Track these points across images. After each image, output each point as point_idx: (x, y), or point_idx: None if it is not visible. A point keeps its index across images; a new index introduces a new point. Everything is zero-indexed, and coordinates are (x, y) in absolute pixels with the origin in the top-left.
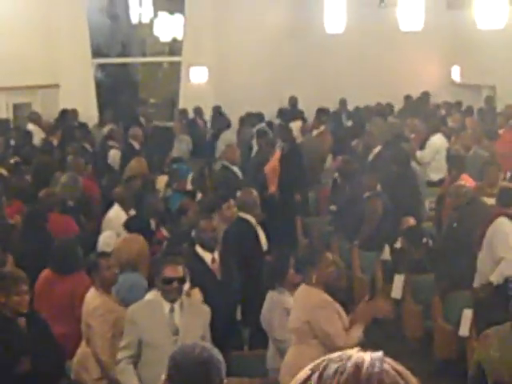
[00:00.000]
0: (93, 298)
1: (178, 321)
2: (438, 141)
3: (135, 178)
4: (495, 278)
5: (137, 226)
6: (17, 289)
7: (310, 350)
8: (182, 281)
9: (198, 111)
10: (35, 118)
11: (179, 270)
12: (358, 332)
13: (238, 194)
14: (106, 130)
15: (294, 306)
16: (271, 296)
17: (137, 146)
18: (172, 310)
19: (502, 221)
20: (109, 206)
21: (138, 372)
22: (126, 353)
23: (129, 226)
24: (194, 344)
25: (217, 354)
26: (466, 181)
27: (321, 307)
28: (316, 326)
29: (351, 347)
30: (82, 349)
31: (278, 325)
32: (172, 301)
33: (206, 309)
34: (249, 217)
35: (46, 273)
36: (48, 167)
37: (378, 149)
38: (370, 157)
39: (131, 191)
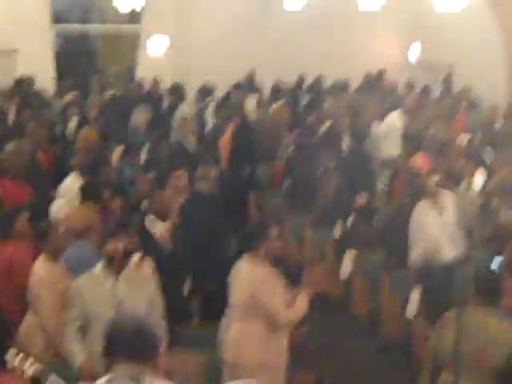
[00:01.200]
0: (41, 267)
1: (120, 293)
2: (393, 119)
3: (87, 147)
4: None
5: (92, 193)
6: None
7: (253, 326)
8: (124, 255)
9: (155, 82)
10: None
11: (121, 245)
12: (301, 306)
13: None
14: (65, 99)
15: (237, 280)
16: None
17: (93, 114)
18: (116, 283)
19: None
20: (63, 175)
21: (86, 345)
22: (73, 325)
23: (84, 191)
24: (125, 315)
25: (149, 324)
26: (421, 159)
27: (264, 282)
28: (259, 302)
29: (294, 323)
30: (28, 318)
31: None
32: (116, 274)
33: (152, 280)
34: (205, 190)
35: None
36: (2, 134)
37: (327, 124)
38: (320, 132)
39: (88, 159)
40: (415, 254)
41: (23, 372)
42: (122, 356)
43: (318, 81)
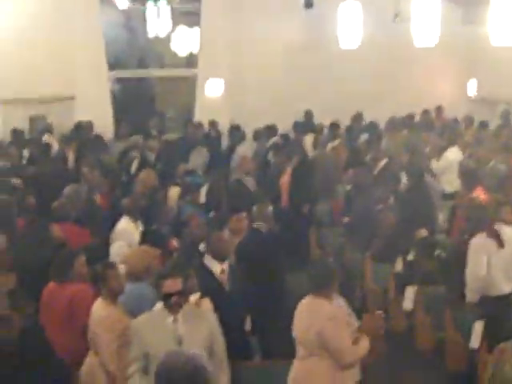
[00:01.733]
0: (100, 308)
1: (181, 331)
2: (452, 154)
3: (145, 190)
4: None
5: (151, 238)
6: None
7: (319, 364)
8: (181, 294)
9: (213, 123)
10: (50, 130)
11: (177, 284)
12: (365, 345)
13: (253, 207)
14: (125, 142)
15: (302, 317)
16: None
17: (152, 157)
18: (176, 321)
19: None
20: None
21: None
22: (136, 366)
23: (144, 238)
24: (179, 354)
25: (203, 361)
26: (480, 194)
27: (330, 319)
28: (326, 339)
29: (358, 361)
30: (90, 359)
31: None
32: (174, 313)
33: (212, 318)
34: (263, 228)
35: (50, 284)
36: (62, 179)
37: (384, 162)
38: (376, 170)
39: (138, 202)
40: (470, 289)
41: None
42: None
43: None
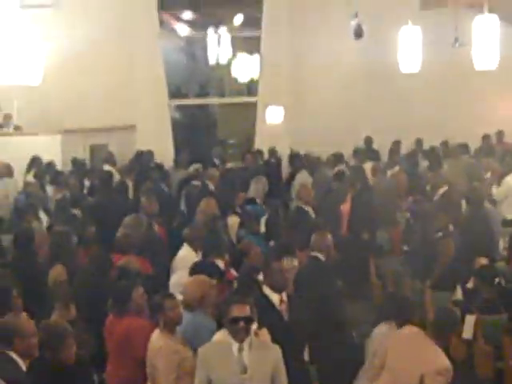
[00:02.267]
0: (157, 338)
1: (246, 360)
2: (510, 180)
3: (205, 219)
4: None
5: (201, 269)
6: (63, 342)
7: None
8: (249, 320)
9: (273, 151)
10: (111, 159)
11: (246, 310)
12: None
13: (312, 236)
14: (184, 171)
15: (402, 358)
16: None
17: (212, 186)
18: (241, 350)
19: None
20: (177, 247)
21: None
22: None
23: (194, 270)
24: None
25: None
26: None
27: (442, 375)
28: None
29: None
30: None
31: None
32: (240, 340)
33: (276, 348)
34: (321, 256)
35: (110, 316)
36: (122, 209)
37: (444, 188)
38: (436, 197)
39: (199, 232)
40: None
41: None
42: None
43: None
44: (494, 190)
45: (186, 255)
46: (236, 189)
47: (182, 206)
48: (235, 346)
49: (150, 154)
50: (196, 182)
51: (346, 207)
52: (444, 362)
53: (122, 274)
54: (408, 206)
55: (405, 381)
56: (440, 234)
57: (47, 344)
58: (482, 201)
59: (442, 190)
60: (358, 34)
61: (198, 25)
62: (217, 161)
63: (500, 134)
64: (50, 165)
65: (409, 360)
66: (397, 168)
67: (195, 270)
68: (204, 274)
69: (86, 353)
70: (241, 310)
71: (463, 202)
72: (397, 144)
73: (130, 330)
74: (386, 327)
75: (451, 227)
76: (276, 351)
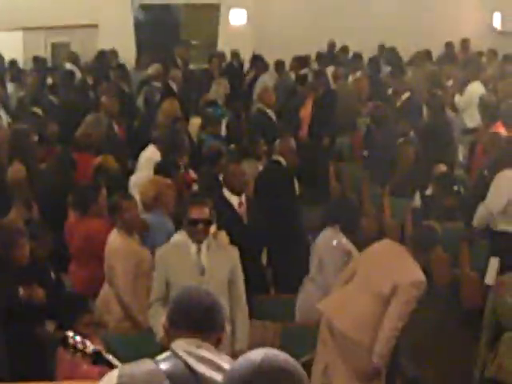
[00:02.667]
0: (115, 239)
1: (204, 261)
2: (474, 88)
3: (167, 120)
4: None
5: (163, 168)
6: (16, 242)
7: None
8: (208, 222)
9: (235, 54)
10: (73, 58)
11: (205, 212)
12: None
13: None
14: (146, 72)
15: (376, 265)
16: (328, 234)
17: (175, 87)
18: (199, 251)
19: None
20: (141, 147)
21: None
22: (157, 295)
23: (156, 170)
24: (197, 288)
25: (219, 300)
26: (500, 129)
27: (416, 287)
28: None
29: None
30: (105, 290)
31: (334, 268)
32: (198, 242)
33: (234, 250)
34: (282, 160)
35: (70, 216)
36: (82, 107)
37: (406, 95)
38: (398, 103)
39: (168, 133)
40: (480, 216)
41: (82, 351)
42: (185, 329)
43: (396, 51)
44: (457, 98)
45: (152, 156)
46: (201, 90)
47: (142, 107)
48: (193, 247)
49: (114, 53)
50: (156, 83)
51: (306, 111)
52: (419, 274)
53: (98, 172)
54: (368, 111)
55: (376, 288)
56: (401, 139)
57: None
58: (443, 108)
59: (404, 97)
60: None
61: None
62: (179, 62)
63: (465, 42)
64: (13, 63)
65: (383, 268)
66: (359, 73)
67: (156, 169)
68: (162, 173)
69: (44, 252)
70: (200, 212)
71: (424, 109)
72: (358, 57)
73: (91, 231)
74: (330, 231)
75: (412, 133)
76: (234, 254)
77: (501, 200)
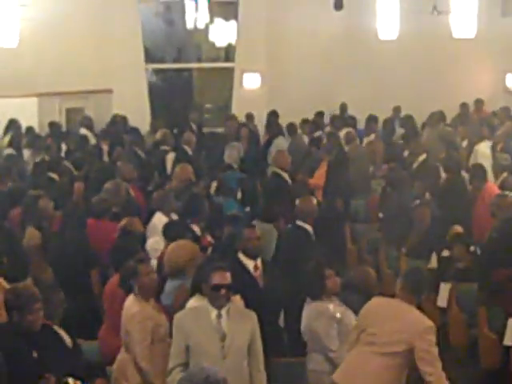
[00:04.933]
0: (132, 304)
1: (225, 327)
2: (481, 148)
3: (180, 185)
4: None
5: (174, 232)
6: (31, 307)
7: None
8: (229, 287)
9: (249, 117)
10: (87, 123)
11: (227, 277)
12: None
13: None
14: (158, 135)
15: (381, 325)
16: (315, 306)
17: (189, 151)
18: (219, 316)
19: None
20: (153, 212)
21: None
22: (176, 361)
23: (165, 232)
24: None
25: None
26: (491, 190)
27: (428, 333)
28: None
29: None
30: (122, 355)
31: (325, 335)
32: (220, 307)
33: (253, 315)
34: (306, 226)
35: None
36: (98, 173)
37: (423, 156)
38: (415, 164)
39: (170, 197)
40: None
41: None
42: None
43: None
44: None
45: (159, 221)
46: (215, 154)
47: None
48: (214, 312)
49: (124, 119)
50: (164, 147)
51: (318, 174)
52: (428, 320)
53: (124, 235)
54: (383, 173)
55: (388, 349)
56: (417, 201)
57: (14, 307)
58: (459, 169)
59: (421, 158)
60: (339, 5)
61: None
62: (193, 125)
63: (478, 102)
64: (29, 129)
65: (391, 323)
66: (373, 135)
67: (167, 231)
68: (177, 236)
69: (56, 316)
70: (222, 278)
71: (441, 171)
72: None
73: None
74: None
75: (428, 195)
76: (253, 318)
77: None
